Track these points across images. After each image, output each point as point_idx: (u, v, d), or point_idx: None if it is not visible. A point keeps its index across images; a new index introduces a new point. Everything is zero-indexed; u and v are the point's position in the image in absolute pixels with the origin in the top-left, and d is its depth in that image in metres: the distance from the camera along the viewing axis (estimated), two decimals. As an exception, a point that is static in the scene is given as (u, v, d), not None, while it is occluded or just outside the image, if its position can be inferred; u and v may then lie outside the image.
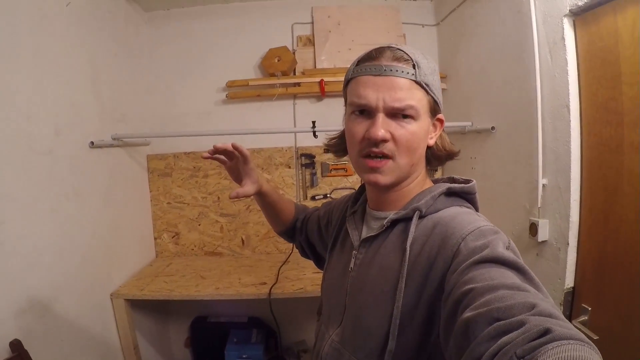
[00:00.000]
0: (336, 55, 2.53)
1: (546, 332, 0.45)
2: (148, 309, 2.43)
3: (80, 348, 1.79)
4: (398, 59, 0.76)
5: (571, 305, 1.51)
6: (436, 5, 2.62)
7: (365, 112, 0.78)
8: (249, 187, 1.11)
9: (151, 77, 2.61)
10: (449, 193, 0.83)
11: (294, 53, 2.54)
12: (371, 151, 0.78)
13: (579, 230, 1.49)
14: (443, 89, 2.46)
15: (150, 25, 2.62)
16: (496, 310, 0.51)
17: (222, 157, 1.11)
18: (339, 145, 0.94)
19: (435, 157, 0.87)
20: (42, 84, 1.62)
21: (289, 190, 2.60)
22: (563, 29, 1.48)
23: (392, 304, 0.75)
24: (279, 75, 2.47)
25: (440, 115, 0.84)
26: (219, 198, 2.60)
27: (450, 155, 0.88)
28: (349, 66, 0.84)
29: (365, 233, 0.91)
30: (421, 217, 0.80)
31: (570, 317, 1.49)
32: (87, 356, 1.84)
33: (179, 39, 2.62)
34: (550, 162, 1.57)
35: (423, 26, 2.61)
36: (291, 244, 1.52)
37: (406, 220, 0.81)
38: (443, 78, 2.50)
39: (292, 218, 1.27)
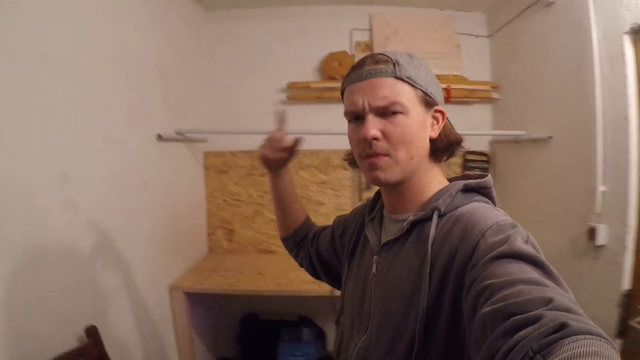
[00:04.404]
0: (394, 63, 2.68)
1: (562, 326, 0.46)
2: (201, 304, 2.55)
3: (140, 338, 1.89)
4: (377, 62, 0.82)
5: (628, 307, 1.64)
6: (489, 17, 2.80)
7: (359, 117, 0.84)
8: (274, 162, 1.18)
9: (211, 75, 2.80)
10: (466, 189, 0.85)
11: (353, 58, 2.71)
12: (367, 152, 0.82)
13: (637, 234, 1.63)
14: (495, 99, 2.64)
15: (210, 24, 2.82)
16: (513, 305, 0.53)
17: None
18: (352, 156, 0.96)
19: (437, 149, 0.88)
20: (118, 74, 1.74)
21: (345, 192, 2.76)
22: (623, 45, 1.64)
23: (416, 306, 0.77)
24: (340, 79, 2.60)
25: (438, 107, 0.87)
26: (275, 197, 2.75)
27: (451, 144, 0.89)
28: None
29: (384, 237, 0.93)
30: (440, 216, 0.82)
31: (626, 318, 1.63)
32: (146, 346, 1.95)
33: (238, 39, 2.82)
34: (609, 170, 1.72)
35: (476, 37, 2.78)
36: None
37: (425, 220, 0.83)
38: (495, 88, 2.68)
39: (299, 224, 1.29)
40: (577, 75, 1.89)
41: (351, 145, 0.90)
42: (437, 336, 0.74)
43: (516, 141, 2.43)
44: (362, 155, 0.84)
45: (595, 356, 0.41)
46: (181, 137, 2.36)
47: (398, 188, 0.88)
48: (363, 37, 2.79)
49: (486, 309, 0.56)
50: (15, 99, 1.18)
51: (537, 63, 2.26)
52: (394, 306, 0.83)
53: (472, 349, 0.60)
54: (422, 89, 0.83)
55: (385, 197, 0.95)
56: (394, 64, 0.81)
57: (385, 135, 0.81)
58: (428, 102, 0.84)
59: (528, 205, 2.35)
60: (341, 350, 0.99)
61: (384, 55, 0.83)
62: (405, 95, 0.81)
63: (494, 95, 2.70)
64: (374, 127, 0.80)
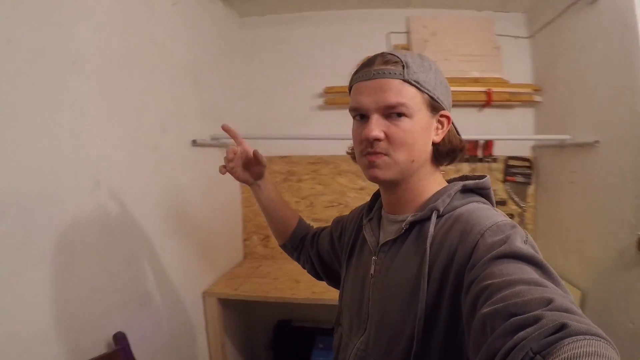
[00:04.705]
0: (433, 66, 2.66)
1: (562, 327, 0.46)
2: (234, 309, 2.57)
3: (171, 345, 1.89)
4: (387, 62, 0.84)
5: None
6: (529, 17, 2.72)
7: (364, 116, 0.86)
8: (245, 176, 1.29)
9: (247, 81, 2.83)
10: (464, 190, 0.87)
11: (391, 62, 2.70)
12: (368, 151, 0.85)
13: (691, 245, 1.55)
14: (537, 102, 2.56)
15: (245, 30, 2.85)
16: (512, 306, 0.53)
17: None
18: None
19: (439, 153, 0.91)
20: (151, 80, 1.76)
21: (382, 197, 2.70)
22: (672, 42, 1.56)
23: (415, 306, 0.78)
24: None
25: (444, 112, 0.89)
26: (312, 203, 2.78)
27: (454, 149, 0.92)
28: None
29: (382, 238, 0.95)
30: (439, 216, 0.84)
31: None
32: (177, 352, 1.96)
33: (273, 44, 2.84)
34: (661, 176, 1.64)
35: (516, 38, 2.71)
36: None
37: (424, 221, 0.85)
38: (537, 91, 2.60)
39: (293, 228, 1.34)
40: (625, 75, 1.81)
41: (353, 142, 0.92)
42: (436, 337, 0.76)
43: (561, 146, 2.34)
44: (363, 153, 0.87)
45: (595, 356, 0.42)
46: (216, 143, 2.38)
47: (397, 188, 0.90)
48: (400, 40, 2.76)
49: (486, 310, 0.57)
50: (47, 106, 1.20)
51: (581, 64, 2.18)
52: (393, 307, 0.85)
53: (471, 350, 0.60)
54: (429, 93, 0.84)
55: (384, 198, 0.98)
56: (403, 66, 0.83)
57: (387, 136, 0.83)
58: (434, 106, 0.86)
59: (574, 213, 2.26)
60: (340, 351, 1.02)
61: (394, 55, 0.85)
62: (411, 99, 0.83)
63: (536, 98, 2.62)
64: (376, 127, 0.83)
